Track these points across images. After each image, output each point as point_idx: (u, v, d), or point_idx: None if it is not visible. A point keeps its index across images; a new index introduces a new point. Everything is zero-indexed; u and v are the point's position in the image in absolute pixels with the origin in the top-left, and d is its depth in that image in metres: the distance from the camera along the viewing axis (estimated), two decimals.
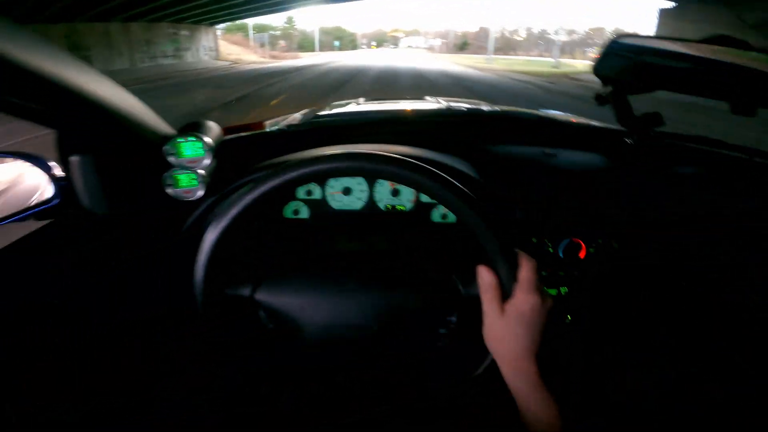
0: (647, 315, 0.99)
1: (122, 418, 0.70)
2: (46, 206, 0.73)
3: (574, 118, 1.48)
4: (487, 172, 0.92)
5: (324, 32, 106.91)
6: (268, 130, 1.06)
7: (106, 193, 0.68)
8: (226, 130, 0.92)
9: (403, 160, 0.54)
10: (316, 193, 0.92)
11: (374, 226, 0.91)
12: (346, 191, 0.92)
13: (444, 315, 0.65)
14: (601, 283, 0.97)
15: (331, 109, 1.47)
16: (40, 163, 0.73)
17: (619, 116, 0.76)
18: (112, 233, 0.76)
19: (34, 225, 0.73)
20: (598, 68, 0.66)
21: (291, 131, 1.02)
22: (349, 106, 1.55)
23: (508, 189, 0.90)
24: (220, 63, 28.99)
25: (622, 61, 0.65)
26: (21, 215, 0.72)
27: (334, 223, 0.92)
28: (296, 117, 1.36)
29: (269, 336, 0.62)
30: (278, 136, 1.01)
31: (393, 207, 0.93)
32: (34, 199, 0.74)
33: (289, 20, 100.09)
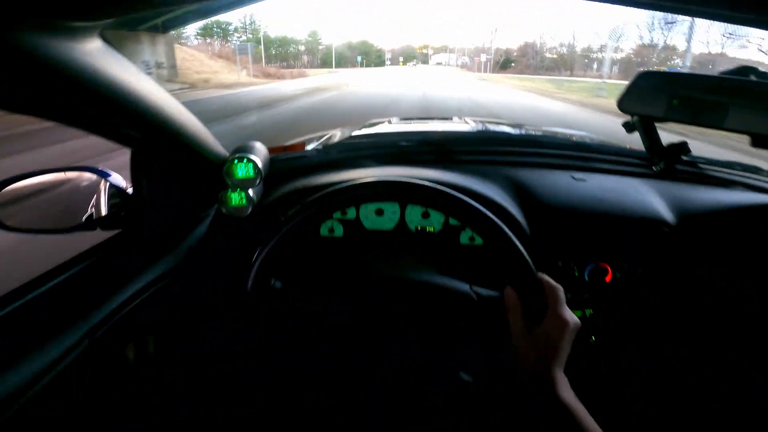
0: (659, 323, 1.00)
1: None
2: (113, 218, 0.81)
3: (603, 141, 1.49)
4: (516, 198, 0.95)
5: (350, 47, 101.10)
6: (308, 150, 1.13)
7: (168, 206, 0.75)
8: (270, 151, 1.00)
9: (444, 192, 0.59)
10: (350, 213, 0.98)
11: (404, 246, 0.96)
12: (379, 212, 0.97)
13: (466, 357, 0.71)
14: (626, 305, 0.98)
15: (366, 129, 1.55)
16: (110, 178, 0.81)
17: (645, 144, 0.78)
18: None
19: (102, 234, 0.82)
20: (623, 104, 0.69)
21: (331, 156, 1.08)
22: (383, 125, 1.61)
23: (535, 214, 0.93)
24: (168, 86, 18.07)
25: (646, 96, 0.67)
26: (91, 225, 0.81)
27: (366, 241, 0.97)
28: (335, 135, 1.43)
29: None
30: (318, 158, 1.08)
31: (422, 228, 0.98)
32: (103, 211, 0.82)
33: (313, 34, 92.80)
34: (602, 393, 1.04)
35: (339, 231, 0.98)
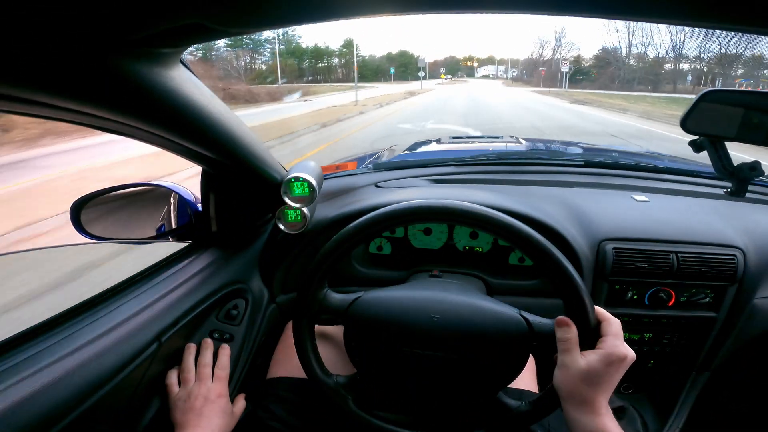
0: (725, 351, 0.95)
1: None
2: (183, 230, 0.88)
3: (671, 160, 1.41)
4: (572, 221, 0.92)
5: (389, 58, 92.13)
6: (359, 169, 1.17)
7: (233, 221, 0.81)
8: (323, 169, 1.05)
9: (495, 219, 0.59)
10: (399, 231, 0.99)
11: (452, 264, 0.96)
12: (427, 231, 0.98)
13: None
14: (689, 331, 0.92)
15: (416, 148, 1.57)
16: (181, 192, 0.89)
17: (715, 165, 0.74)
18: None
19: (174, 245, 0.89)
20: (687, 125, 0.65)
21: (381, 176, 1.11)
22: (432, 145, 1.63)
23: (592, 237, 0.90)
24: None
25: (712, 116, 0.64)
26: (165, 236, 0.88)
27: (413, 259, 0.98)
28: (385, 153, 1.47)
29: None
30: (369, 177, 1.11)
31: (471, 248, 0.97)
32: (176, 223, 0.90)
33: (348, 44, 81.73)
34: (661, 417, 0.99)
35: (387, 249, 1.00)
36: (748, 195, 0.85)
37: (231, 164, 0.71)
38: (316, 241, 0.92)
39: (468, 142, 1.85)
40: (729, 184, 0.78)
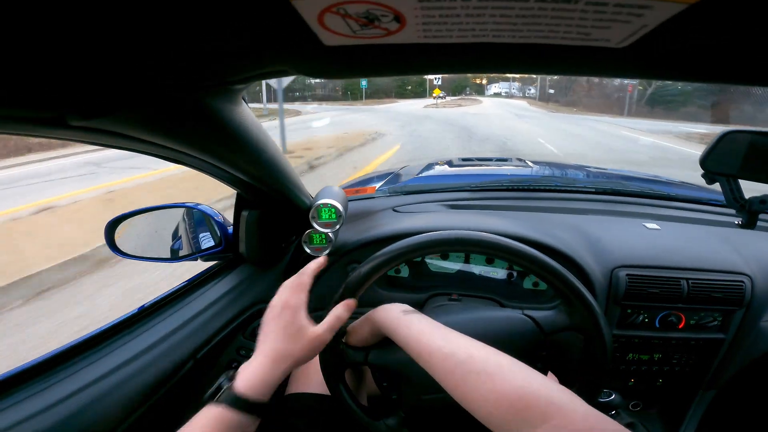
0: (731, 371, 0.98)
1: None
2: (212, 251, 0.92)
3: (679, 185, 1.45)
4: (585, 248, 0.95)
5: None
6: (377, 193, 1.21)
7: (261, 242, 0.84)
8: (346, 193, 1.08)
9: (516, 250, 0.62)
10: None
11: (468, 288, 0.98)
12: (444, 256, 1.01)
13: None
14: (697, 352, 0.94)
15: (428, 170, 1.61)
16: (213, 214, 0.93)
17: (727, 197, 0.77)
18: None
19: (201, 265, 0.93)
20: (707, 164, 0.68)
21: (398, 200, 1.15)
22: (444, 168, 1.67)
23: (604, 265, 0.92)
24: None
25: (732, 157, 0.67)
26: (194, 256, 0.92)
27: (430, 283, 1.01)
28: (400, 175, 1.51)
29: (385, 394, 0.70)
30: (387, 202, 1.14)
31: (486, 273, 1.00)
32: (203, 245, 0.93)
33: None
34: None
35: (405, 272, 1.03)
36: (759, 224, 0.88)
37: (267, 190, 0.75)
38: (339, 263, 0.95)
39: (478, 165, 1.89)
40: (740, 218, 0.81)
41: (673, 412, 1.03)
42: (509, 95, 73.66)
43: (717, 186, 0.82)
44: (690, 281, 0.89)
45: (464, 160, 1.96)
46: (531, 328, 0.64)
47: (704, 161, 0.69)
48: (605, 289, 0.92)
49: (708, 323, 0.92)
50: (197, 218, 0.95)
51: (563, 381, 0.61)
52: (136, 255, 0.93)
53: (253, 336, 0.90)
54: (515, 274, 0.99)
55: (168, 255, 0.95)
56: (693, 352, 0.96)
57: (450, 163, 1.79)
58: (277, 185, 0.75)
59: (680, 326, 0.93)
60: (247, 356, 0.87)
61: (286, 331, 0.56)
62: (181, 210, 0.97)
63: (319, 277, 0.68)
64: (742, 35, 0.26)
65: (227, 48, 0.33)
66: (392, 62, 0.35)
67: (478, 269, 1.01)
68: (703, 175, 0.83)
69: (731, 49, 0.28)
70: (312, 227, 0.87)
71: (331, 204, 0.85)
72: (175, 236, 0.97)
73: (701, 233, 1.03)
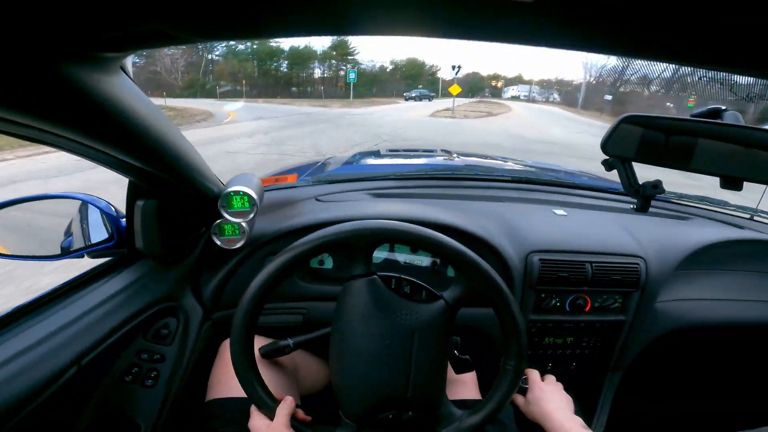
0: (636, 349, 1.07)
1: None
2: (101, 246, 0.80)
3: (585, 175, 1.56)
4: (504, 234, 0.98)
5: (396, 67, 57.77)
6: (298, 182, 1.15)
7: (161, 236, 0.75)
8: (263, 182, 1.02)
9: (435, 241, 0.62)
10: None
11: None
12: None
13: None
14: (604, 334, 1.02)
15: (355, 160, 1.58)
16: (102, 205, 0.81)
17: (623, 183, 0.83)
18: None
19: (90, 262, 0.81)
20: (607, 147, 0.72)
21: (321, 189, 1.10)
22: (371, 158, 1.65)
23: (520, 249, 0.96)
24: None
25: (627, 140, 0.72)
26: (79, 253, 0.80)
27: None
28: (327, 164, 1.46)
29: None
30: (308, 191, 1.10)
31: (411, 262, 1.00)
32: (92, 239, 0.81)
33: (337, 46, 48.75)
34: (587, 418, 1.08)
35: (329, 263, 0.99)
36: (651, 210, 0.97)
37: (165, 177, 0.66)
38: (255, 255, 0.89)
39: (405, 156, 1.90)
40: (635, 202, 0.88)
41: (588, 396, 1.10)
42: (529, 99, 63.67)
43: (615, 176, 0.88)
44: (593, 264, 0.96)
45: (391, 150, 1.96)
46: (440, 305, 0.64)
47: (604, 145, 0.74)
48: (521, 273, 0.95)
49: (610, 305, 0.99)
50: (83, 210, 0.83)
51: (489, 376, 0.63)
52: (8, 254, 0.79)
53: (156, 338, 0.80)
54: (438, 261, 1.00)
55: (47, 252, 0.81)
56: (599, 334, 1.02)
57: (377, 153, 1.77)
58: (177, 171, 0.66)
59: (587, 309, 0.99)
60: (150, 360, 0.80)
61: None
62: (63, 201, 0.84)
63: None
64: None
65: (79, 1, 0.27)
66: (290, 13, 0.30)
67: (403, 258, 1.00)
68: (603, 162, 0.89)
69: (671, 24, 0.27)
70: (222, 217, 0.79)
71: (243, 191, 0.78)
72: (57, 231, 0.84)
73: (602, 219, 1.11)
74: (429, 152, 2.00)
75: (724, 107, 0.70)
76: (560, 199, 1.21)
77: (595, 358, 1.06)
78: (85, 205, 0.83)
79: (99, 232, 0.83)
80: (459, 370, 0.81)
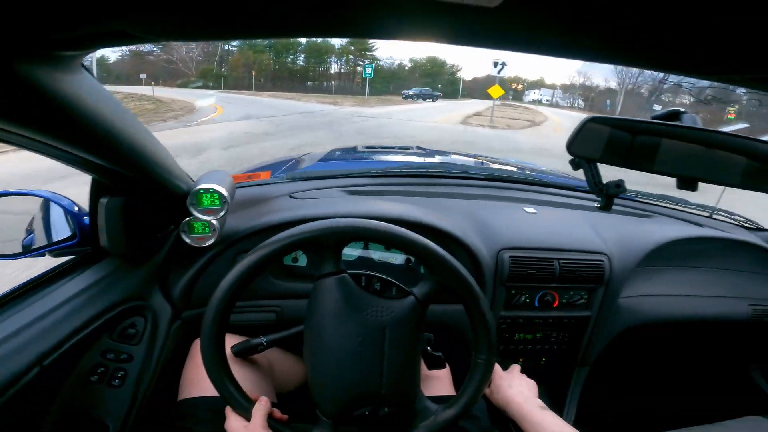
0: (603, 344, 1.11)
1: None
2: (63, 245, 0.78)
3: (555, 174, 1.61)
4: (476, 231, 1.00)
5: (415, 65, 55.01)
6: (272, 179, 1.14)
7: (127, 234, 0.73)
8: (235, 178, 1.00)
9: (409, 240, 0.63)
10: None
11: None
12: None
13: None
14: (571, 329, 1.05)
15: (330, 157, 1.57)
16: (64, 203, 0.78)
17: (588, 182, 0.86)
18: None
19: (51, 261, 0.78)
20: (572, 148, 0.74)
21: (294, 186, 1.10)
22: (347, 154, 1.65)
23: (491, 246, 0.98)
24: None
25: (591, 141, 0.74)
26: (40, 251, 0.77)
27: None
28: (301, 161, 1.45)
29: None
30: (282, 188, 1.09)
31: (385, 259, 1.01)
32: (54, 237, 0.79)
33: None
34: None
35: (303, 260, 0.99)
36: (615, 208, 1.00)
37: (131, 175, 0.65)
38: (226, 253, 0.88)
39: (381, 153, 1.91)
40: (600, 201, 0.92)
41: (558, 391, 1.13)
42: (552, 103, 60.73)
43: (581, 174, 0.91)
44: (561, 261, 0.99)
45: (368, 147, 1.96)
46: (410, 301, 0.65)
47: (570, 146, 0.76)
48: (492, 270, 0.97)
49: (576, 301, 1.02)
50: (44, 207, 0.80)
51: (463, 372, 0.64)
52: None
53: (123, 337, 0.79)
54: (413, 259, 1.01)
55: (6, 251, 0.78)
56: (567, 329, 1.06)
57: (354, 150, 1.77)
58: (142, 169, 0.65)
59: (555, 305, 1.02)
60: (117, 360, 0.78)
61: None
62: (23, 198, 0.80)
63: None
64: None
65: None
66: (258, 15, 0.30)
67: (377, 255, 1.01)
68: (570, 162, 0.91)
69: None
70: (192, 215, 0.78)
71: (213, 189, 0.77)
72: (16, 229, 0.81)
73: (570, 216, 1.15)
74: (405, 149, 2.01)
75: (683, 110, 0.73)
76: (531, 197, 1.24)
77: (563, 353, 1.10)
78: (46, 202, 0.80)
79: (62, 230, 0.80)
80: (433, 367, 0.82)
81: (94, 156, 0.57)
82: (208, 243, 0.81)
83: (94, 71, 0.53)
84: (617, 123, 0.77)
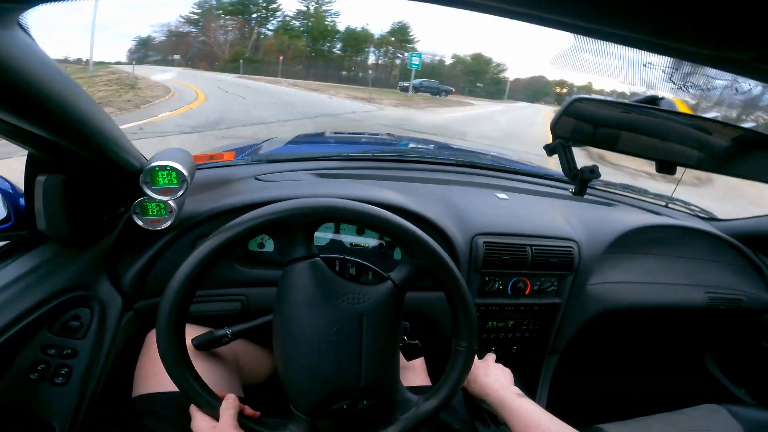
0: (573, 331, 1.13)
1: None
2: None
3: (527, 161, 1.62)
4: (450, 216, 0.98)
5: (458, 62, 44.34)
6: (236, 160, 1.07)
7: (68, 216, 0.65)
8: (196, 159, 0.92)
9: (380, 217, 0.59)
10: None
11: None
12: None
13: None
14: (542, 317, 1.06)
15: (298, 141, 1.50)
16: None
17: (563, 167, 0.85)
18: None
19: None
20: (557, 129, 0.73)
21: (259, 169, 1.03)
22: (315, 138, 1.59)
23: (465, 232, 0.96)
24: None
25: (577, 122, 0.73)
26: None
27: None
28: (266, 145, 1.38)
29: None
30: (246, 170, 1.02)
31: (357, 244, 0.97)
32: None
33: (397, 31, 41.29)
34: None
35: (270, 246, 0.93)
36: (585, 196, 1.01)
37: (74, 148, 0.57)
38: (185, 237, 0.81)
39: (351, 139, 1.86)
40: (570, 186, 0.92)
41: (529, 379, 1.14)
42: None
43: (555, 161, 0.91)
44: (533, 247, 0.99)
45: (336, 133, 1.90)
46: (388, 287, 0.61)
47: (554, 126, 0.74)
48: (467, 256, 0.96)
49: (547, 288, 1.03)
50: None
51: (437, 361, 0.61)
52: None
53: (65, 331, 0.71)
54: (385, 244, 0.98)
55: None
56: (538, 317, 1.06)
57: (321, 135, 1.71)
58: (87, 142, 0.57)
59: (527, 292, 1.02)
60: (59, 355, 0.70)
61: None
62: None
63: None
64: None
65: None
66: None
67: (349, 239, 0.97)
68: (545, 147, 0.91)
69: None
70: (145, 194, 0.71)
71: (171, 166, 0.69)
72: None
73: (540, 203, 1.15)
74: (374, 135, 1.97)
75: (661, 96, 0.73)
76: (501, 183, 1.24)
77: (533, 342, 1.10)
78: None
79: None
80: (410, 357, 0.80)
81: (28, 124, 0.49)
82: (164, 226, 0.74)
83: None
84: (603, 103, 0.76)
